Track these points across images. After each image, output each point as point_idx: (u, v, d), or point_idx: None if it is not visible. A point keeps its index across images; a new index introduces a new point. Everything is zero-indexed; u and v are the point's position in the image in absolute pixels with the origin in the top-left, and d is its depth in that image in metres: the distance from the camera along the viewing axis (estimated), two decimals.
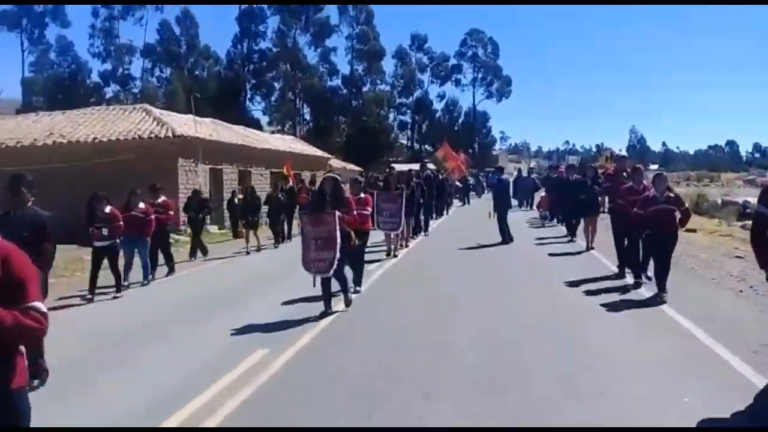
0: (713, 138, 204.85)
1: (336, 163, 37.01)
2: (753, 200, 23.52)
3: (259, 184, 24.46)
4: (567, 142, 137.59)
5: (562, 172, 19.78)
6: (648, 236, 8.07)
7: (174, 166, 18.18)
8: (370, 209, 9.00)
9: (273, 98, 69.07)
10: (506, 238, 14.60)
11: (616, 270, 9.83)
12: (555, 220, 19.06)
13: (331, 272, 7.29)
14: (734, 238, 14.75)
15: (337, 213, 7.34)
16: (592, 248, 12.65)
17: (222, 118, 29.50)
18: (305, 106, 69.86)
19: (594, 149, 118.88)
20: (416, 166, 24.81)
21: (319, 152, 33.97)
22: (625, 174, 9.64)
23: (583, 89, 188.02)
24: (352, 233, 7.64)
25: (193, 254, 14.10)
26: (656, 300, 7.70)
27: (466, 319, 7.22)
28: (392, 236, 12.75)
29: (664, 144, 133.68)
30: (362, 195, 8.92)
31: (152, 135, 18.19)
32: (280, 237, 16.02)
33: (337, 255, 7.25)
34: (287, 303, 8.28)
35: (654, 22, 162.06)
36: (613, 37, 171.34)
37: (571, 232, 14.78)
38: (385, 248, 12.94)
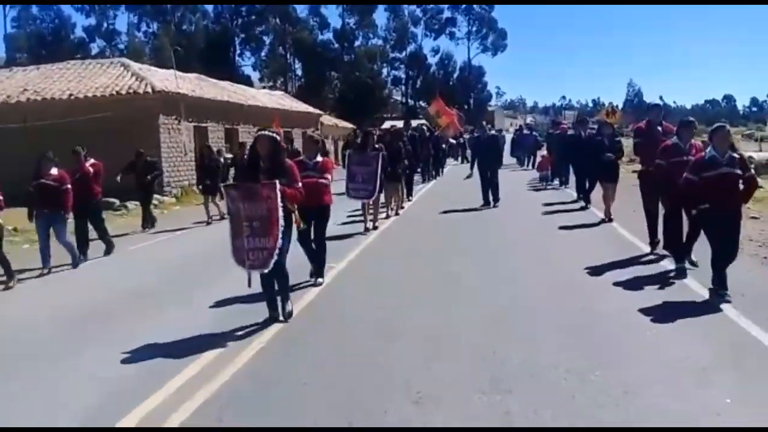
0: (710, 92, 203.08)
1: (327, 119, 36.09)
2: (755, 155, 22.95)
3: (247, 141, 23.65)
4: (563, 98, 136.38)
5: (565, 128, 18.46)
6: (705, 212, 6.10)
7: (155, 123, 17.34)
8: (329, 177, 7.03)
9: (263, 53, 67.58)
10: (487, 199, 13.44)
11: (647, 249, 8.16)
12: (557, 182, 17.50)
13: (271, 265, 5.38)
14: None
15: (278, 184, 5.38)
16: (611, 219, 10.90)
17: (211, 74, 28.43)
18: (296, 61, 68.37)
19: (590, 104, 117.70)
20: (400, 124, 23.85)
21: (309, 108, 33.01)
22: (659, 128, 7.97)
23: (579, 43, 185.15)
24: (296, 213, 5.71)
25: (145, 224, 12.73)
26: (716, 297, 5.88)
27: (461, 318, 5.68)
28: (369, 205, 10.96)
29: (661, 98, 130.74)
30: (319, 159, 7.00)
31: (131, 90, 17.29)
32: None
33: (279, 242, 5.35)
34: (238, 299, 6.36)
35: None
36: None
37: (585, 199, 12.90)
38: (362, 219, 11.07)
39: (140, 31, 67.12)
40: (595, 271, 7.29)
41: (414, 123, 28.12)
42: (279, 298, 5.76)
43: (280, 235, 5.36)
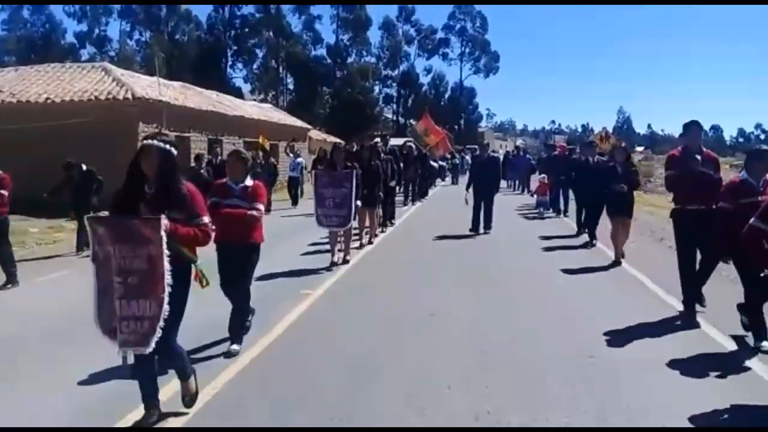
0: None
1: (316, 134, 35.67)
2: None
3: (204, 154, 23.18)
4: (553, 122, 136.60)
5: (564, 148, 17.37)
6: None
7: (134, 131, 16.77)
8: (261, 207, 5.35)
9: (255, 66, 67.28)
10: (477, 226, 12.54)
11: (681, 308, 6.56)
12: (553, 210, 16.27)
13: (152, 344, 3.58)
14: None
15: (164, 220, 3.61)
16: (621, 259, 9.42)
17: (202, 85, 28.04)
18: (288, 75, 68.09)
19: (580, 129, 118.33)
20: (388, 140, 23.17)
21: (298, 122, 32.57)
22: (698, 157, 6.26)
23: (570, 68, 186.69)
24: (196, 265, 3.95)
25: (80, 246, 10.39)
26: None
27: (447, 366, 4.87)
28: (339, 234, 9.39)
29: (649, 126, 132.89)
30: (249, 183, 5.36)
31: (110, 96, 16.76)
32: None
33: (164, 308, 3.58)
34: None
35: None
36: (601, 17, 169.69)
37: (590, 234, 11.39)
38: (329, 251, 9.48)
39: (132, 39, 66.72)
40: (622, 338, 5.65)
41: (399, 141, 27.68)
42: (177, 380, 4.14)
43: (166, 299, 3.58)
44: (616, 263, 9.37)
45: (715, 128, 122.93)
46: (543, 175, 16.86)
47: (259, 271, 5.81)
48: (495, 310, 6.77)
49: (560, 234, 12.67)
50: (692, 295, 6.41)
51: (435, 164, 24.15)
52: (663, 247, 10.96)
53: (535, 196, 17.38)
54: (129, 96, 16.71)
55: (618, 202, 9.36)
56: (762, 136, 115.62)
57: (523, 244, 11.67)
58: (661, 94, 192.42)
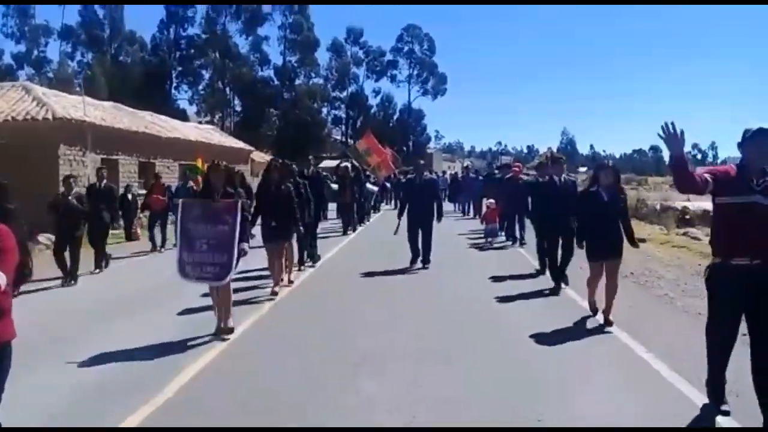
0: (638, 143, 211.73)
1: (258, 156, 35.06)
2: (690, 205, 22.99)
3: (165, 177, 22.39)
4: (499, 143, 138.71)
5: (517, 170, 15.15)
6: None
7: (54, 153, 15.98)
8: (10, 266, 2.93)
9: (200, 87, 66.28)
10: (416, 253, 11.11)
11: (705, 399, 4.53)
12: (505, 236, 14.72)
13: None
14: (692, 251, 12.68)
15: None
16: (609, 323, 6.78)
17: (146, 108, 27.33)
18: (235, 97, 67.31)
19: (525, 150, 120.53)
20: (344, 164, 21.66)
21: (240, 144, 31.90)
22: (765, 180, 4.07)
23: (516, 90, 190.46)
24: None
25: None
26: None
27: None
28: (217, 293, 6.64)
29: (591, 147, 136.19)
30: None
31: (28, 116, 15.92)
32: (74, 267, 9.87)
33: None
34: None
35: (583, 25, 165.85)
36: (543, 39, 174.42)
37: (555, 277, 9.01)
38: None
39: (74, 61, 64.86)
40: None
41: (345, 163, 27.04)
42: None
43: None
44: (605, 323, 6.84)
45: (655, 148, 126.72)
46: (491, 201, 15.02)
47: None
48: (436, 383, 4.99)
49: (519, 272, 10.46)
50: (718, 389, 4.38)
51: (374, 187, 23.21)
52: (674, 310, 7.88)
53: (485, 223, 15.32)
54: (49, 116, 15.90)
55: (599, 236, 6.84)
56: (699, 156, 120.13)
57: (472, 282, 9.79)
58: (602, 115, 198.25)
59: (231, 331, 6.54)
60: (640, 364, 5.55)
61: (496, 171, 18.30)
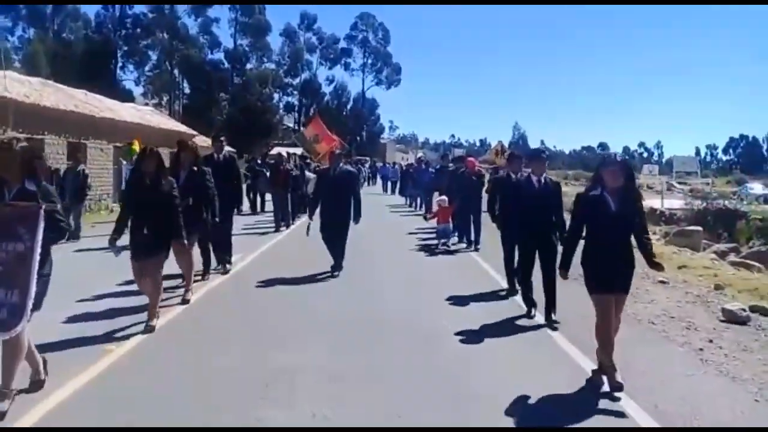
0: (586, 140, 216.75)
1: (202, 140, 33.66)
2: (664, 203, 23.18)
3: (98, 160, 21.17)
4: (453, 136, 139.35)
5: (472, 162, 13.36)
6: None
7: None
8: None
9: (147, 68, 63.99)
10: (337, 262, 9.29)
11: None
12: (458, 237, 13.06)
13: None
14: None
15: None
16: (617, 386, 4.60)
17: (89, 87, 25.87)
18: (184, 80, 65.23)
19: (478, 143, 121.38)
20: (292, 151, 20.26)
21: (181, 127, 30.62)
22: None
23: (469, 83, 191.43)
24: None
25: None
26: None
27: None
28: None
29: (542, 142, 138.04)
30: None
31: None
32: None
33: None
34: None
35: (538, 20, 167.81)
36: (499, 34, 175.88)
37: (526, 292, 7.12)
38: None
39: (14, 36, 61.65)
40: None
41: (292, 150, 25.91)
42: None
43: None
44: (613, 385, 4.63)
45: (603, 145, 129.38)
46: (443, 197, 13.13)
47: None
48: None
49: (479, 289, 8.42)
50: None
51: (313, 175, 21.10)
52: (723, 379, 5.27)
53: (434, 222, 13.31)
54: None
55: (605, 258, 4.88)
56: (645, 155, 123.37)
57: (417, 313, 7.08)
58: (553, 111, 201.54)
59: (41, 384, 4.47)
60: None
61: (450, 164, 15.79)
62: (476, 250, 12.12)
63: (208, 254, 8.72)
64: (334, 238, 9.22)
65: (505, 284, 8.38)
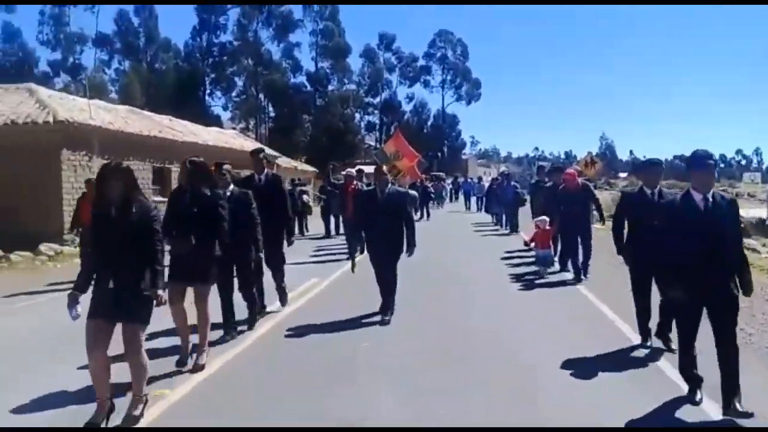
0: (678, 149, 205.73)
1: (285, 161, 33.98)
2: (743, 213, 21.02)
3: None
4: (536, 149, 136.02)
5: (573, 174, 10.62)
6: None
7: (56, 157, 15.08)
8: None
9: (234, 94, 66.15)
10: (386, 302, 7.54)
11: None
12: (563, 267, 10.97)
13: None
14: (756, 267, 10.15)
15: None
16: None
17: (181, 115, 26.98)
18: (269, 103, 66.88)
19: (563, 156, 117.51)
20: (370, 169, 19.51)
21: (265, 149, 30.84)
22: None
23: (552, 95, 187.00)
24: None
25: None
26: None
27: None
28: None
29: (631, 152, 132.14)
30: None
31: (29, 120, 15.04)
32: None
33: None
34: None
35: (620, 28, 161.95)
36: (582, 43, 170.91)
37: (686, 362, 4.62)
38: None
39: (110, 68, 65.42)
40: None
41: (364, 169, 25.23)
42: None
43: None
44: None
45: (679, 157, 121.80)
46: (543, 218, 11.24)
47: None
48: None
49: (601, 345, 6.10)
50: None
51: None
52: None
53: (533, 246, 11.53)
54: (50, 119, 14.98)
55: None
56: (743, 162, 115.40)
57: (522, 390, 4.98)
58: (642, 120, 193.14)
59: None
60: None
61: (546, 179, 13.51)
62: (581, 279, 9.99)
63: (252, 300, 7.04)
64: (384, 273, 7.58)
65: (633, 336, 6.38)
